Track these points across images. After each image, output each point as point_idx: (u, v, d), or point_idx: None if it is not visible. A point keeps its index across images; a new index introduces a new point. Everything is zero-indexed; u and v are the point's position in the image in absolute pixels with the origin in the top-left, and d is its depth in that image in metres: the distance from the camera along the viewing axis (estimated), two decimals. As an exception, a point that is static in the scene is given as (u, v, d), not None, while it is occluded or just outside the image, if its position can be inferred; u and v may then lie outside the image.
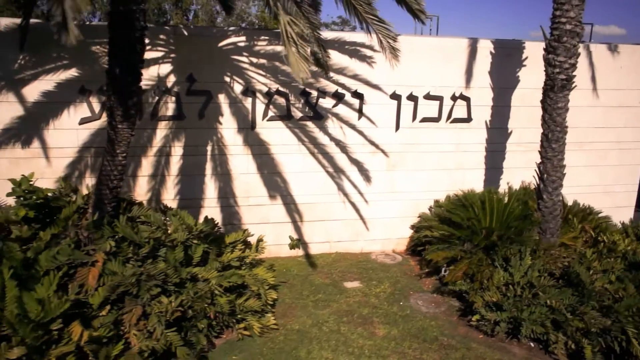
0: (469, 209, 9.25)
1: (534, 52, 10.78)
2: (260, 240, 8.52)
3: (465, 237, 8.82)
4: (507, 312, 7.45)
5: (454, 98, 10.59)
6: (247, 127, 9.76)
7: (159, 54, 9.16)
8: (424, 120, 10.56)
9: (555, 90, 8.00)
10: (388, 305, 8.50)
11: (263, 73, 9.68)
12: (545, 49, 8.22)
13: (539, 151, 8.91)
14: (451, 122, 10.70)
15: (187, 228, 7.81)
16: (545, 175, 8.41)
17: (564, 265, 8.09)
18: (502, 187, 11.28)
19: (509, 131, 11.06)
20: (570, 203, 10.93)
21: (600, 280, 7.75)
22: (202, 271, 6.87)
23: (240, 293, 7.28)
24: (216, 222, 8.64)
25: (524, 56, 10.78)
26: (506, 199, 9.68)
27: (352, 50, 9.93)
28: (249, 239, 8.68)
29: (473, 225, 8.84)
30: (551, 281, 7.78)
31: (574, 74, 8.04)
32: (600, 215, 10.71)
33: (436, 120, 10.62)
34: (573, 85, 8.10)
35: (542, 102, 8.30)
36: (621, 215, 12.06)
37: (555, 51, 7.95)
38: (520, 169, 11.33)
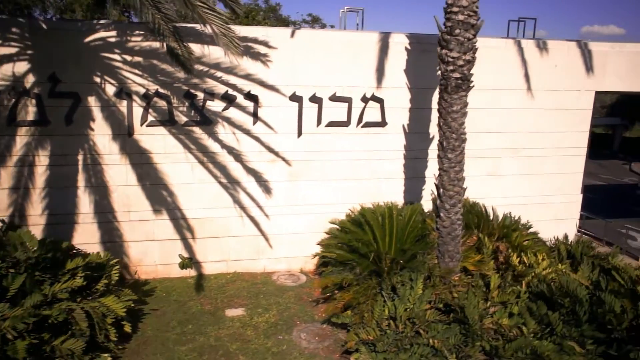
0: (366, 228, 8.11)
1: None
2: (113, 263, 7.42)
3: (357, 260, 7.70)
4: (384, 353, 6.33)
5: (364, 100, 9.46)
6: (123, 134, 8.66)
7: (12, 50, 8.07)
8: (331, 124, 9.43)
9: (449, 91, 6.87)
10: (264, 339, 7.38)
11: (139, 72, 8.57)
12: (438, 43, 7.07)
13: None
14: (362, 126, 9.56)
15: (24, 251, 6.73)
16: (442, 190, 7.27)
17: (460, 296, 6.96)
18: (425, 198, 10.17)
19: (431, 136, 9.91)
20: (503, 215, 9.84)
21: (499, 314, 6.62)
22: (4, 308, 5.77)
23: (63, 330, 6.17)
24: (67, 243, 7.55)
25: (445, 53, 9.63)
26: (413, 215, 8.52)
27: (244, 47, 8.79)
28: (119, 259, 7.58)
29: (365, 248, 7.71)
30: (440, 315, 6.66)
31: (471, 72, 6.90)
32: (530, 230, 9.59)
33: (345, 124, 9.49)
34: (470, 85, 6.96)
35: (438, 104, 7.16)
36: (564, 227, 10.94)
37: (448, 45, 6.82)
38: (446, 179, 10.20)
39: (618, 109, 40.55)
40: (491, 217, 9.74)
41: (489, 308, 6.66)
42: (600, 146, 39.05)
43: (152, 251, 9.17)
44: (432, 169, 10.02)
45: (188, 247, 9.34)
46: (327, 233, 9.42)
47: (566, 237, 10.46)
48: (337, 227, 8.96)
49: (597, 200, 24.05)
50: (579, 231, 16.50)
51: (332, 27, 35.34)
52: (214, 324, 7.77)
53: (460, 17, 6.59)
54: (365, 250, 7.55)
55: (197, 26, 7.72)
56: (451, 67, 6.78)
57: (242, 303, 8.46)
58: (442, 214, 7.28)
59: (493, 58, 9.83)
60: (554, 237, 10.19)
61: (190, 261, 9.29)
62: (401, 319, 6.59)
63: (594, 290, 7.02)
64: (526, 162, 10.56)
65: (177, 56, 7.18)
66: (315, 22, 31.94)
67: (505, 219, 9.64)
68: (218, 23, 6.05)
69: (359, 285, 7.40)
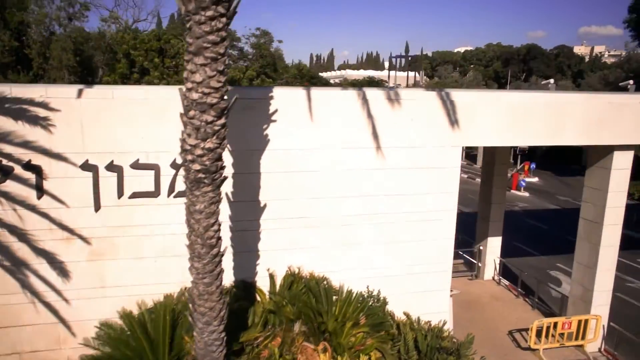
0: (129, 341, 6.76)
1: (287, 101, 8.37)
2: None
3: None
4: None
5: (175, 166, 8.14)
6: None
7: None
8: (136, 195, 8.11)
9: (190, 186, 5.53)
10: None
11: None
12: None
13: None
14: (176, 195, 8.24)
15: None
16: (193, 305, 5.89)
17: None
18: (261, 275, 8.84)
19: (262, 204, 8.58)
20: (362, 290, 8.55)
21: None
22: None
23: None
24: None
25: (272, 108, 8.32)
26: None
27: (17, 109, 7.50)
28: None
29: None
30: None
31: (218, 162, 5.56)
32: (388, 306, 8.30)
33: (153, 194, 8.17)
34: (217, 179, 5.61)
35: (186, 197, 5.80)
36: (434, 301, 9.59)
37: (185, 129, 5.49)
38: (285, 251, 8.88)
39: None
40: (335, 298, 8.42)
41: None
42: (569, 161, 37.56)
43: None
44: (265, 241, 8.75)
45: (-32, 341, 8.03)
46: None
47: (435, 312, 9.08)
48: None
49: (534, 232, 22.57)
50: (494, 279, 15.20)
51: (280, 42, 34.03)
52: None
53: (195, 95, 5.26)
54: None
55: None
56: (190, 157, 5.45)
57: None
58: (195, 333, 5.92)
59: (334, 111, 8.53)
60: (416, 320, 8.82)
61: (-28, 357, 7.98)
62: None
63: None
64: (385, 229, 9.21)
65: None
66: (264, 36, 30.60)
67: (347, 301, 8.31)
68: None
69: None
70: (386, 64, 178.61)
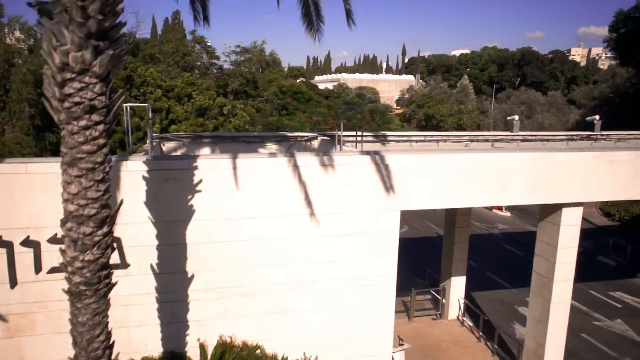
0: None
1: (213, 170, 8.12)
2: None
3: None
4: None
5: (96, 239, 7.86)
6: None
7: None
8: (54, 270, 7.84)
9: (72, 299, 5.28)
10: None
11: None
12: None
13: None
14: (97, 270, 7.96)
15: None
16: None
17: None
18: (192, 345, 8.58)
19: (191, 274, 8.32)
20: (299, 357, 8.29)
21: None
22: None
23: None
24: None
25: (197, 178, 8.06)
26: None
27: None
28: None
29: None
30: None
31: (102, 274, 5.29)
32: None
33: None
34: (102, 291, 5.36)
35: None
36: (374, 366, 9.32)
37: (65, 241, 5.23)
38: (216, 320, 8.62)
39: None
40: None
41: None
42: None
43: None
44: (195, 311, 8.50)
45: None
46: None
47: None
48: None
49: (509, 259, 22.11)
50: (458, 319, 14.90)
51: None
52: None
53: (71, 207, 5.00)
54: None
55: None
56: (69, 268, 5.19)
57: None
58: None
59: (263, 178, 8.27)
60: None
61: None
62: None
63: None
64: (320, 295, 8.95)
65: None
66: (244, 53, 30.22)
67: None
68: None
69: None
70: (384, 66, 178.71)
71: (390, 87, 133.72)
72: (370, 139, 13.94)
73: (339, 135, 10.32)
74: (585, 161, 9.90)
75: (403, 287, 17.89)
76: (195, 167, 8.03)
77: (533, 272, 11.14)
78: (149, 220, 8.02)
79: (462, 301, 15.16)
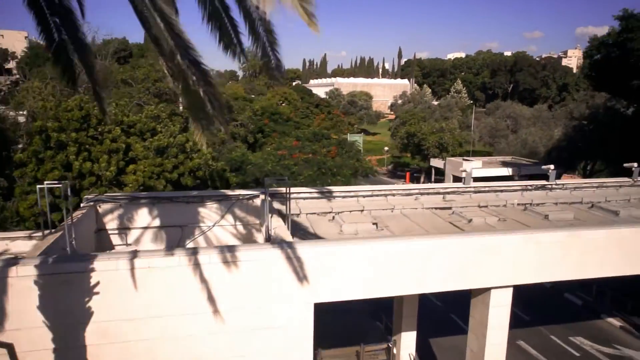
0: None
1: (110, 272, 7.83)
2: None
3: None
4: None
5: None
6: None
7: None
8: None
9: None
10: None
11: None
12: None
13: None
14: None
15: None
16: None
17: None
18: None
19: (90, 382, 8.04)
20: None
21: None
22: None
23: None
24: None
25: (94, 280, 7.77)
26: None
27: None
28: None
29: None
30: None
31: None
32: None
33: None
34: None
35: None
36: None
37: None
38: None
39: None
40: None
41: None
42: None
43: None
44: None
45: None
46: None
47: None
48: None
49: (465, 305, 21.05)
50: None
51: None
52: None
53: None
54: None
55: None
56: None
57: None
58: None
59: (164, 277, 8.00)
60: None
61: None
62: None
63: None
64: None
65: None
66: (219, 77, 29.88)
67: None
68: None
69: None
70: (380, 69, 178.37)
71: (384, 92, 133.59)
72: (315, 195, 13.67)
73: (267, 225, 9.93)
74: (513, 243, 9.62)
75: (362, 331, 17.70)
76: (93, 270, 7.74)
77: (467, 347, 10.86)
78: (43, 325, 7.73)
79: (412, 356, 14.88)
